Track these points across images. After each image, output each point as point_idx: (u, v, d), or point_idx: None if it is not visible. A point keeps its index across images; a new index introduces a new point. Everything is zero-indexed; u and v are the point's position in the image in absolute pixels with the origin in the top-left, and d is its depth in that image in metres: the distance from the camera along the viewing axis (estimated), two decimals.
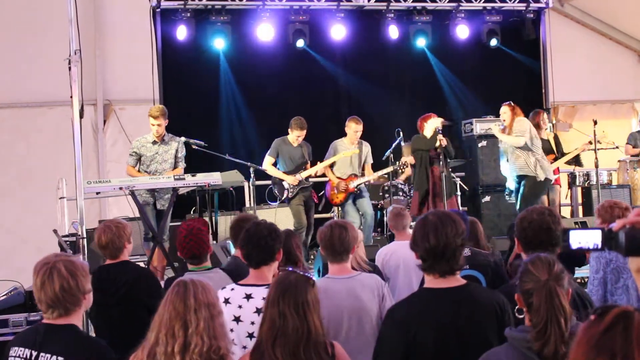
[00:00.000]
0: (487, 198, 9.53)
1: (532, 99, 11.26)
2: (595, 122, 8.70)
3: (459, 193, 9.27)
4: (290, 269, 2.86)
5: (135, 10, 10.32)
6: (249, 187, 9.04)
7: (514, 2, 10.91)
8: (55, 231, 6.26)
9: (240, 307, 3.41)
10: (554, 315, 2.37)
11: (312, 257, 8.17)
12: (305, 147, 8.27)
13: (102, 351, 2.76)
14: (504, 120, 7.89)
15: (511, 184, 7.86)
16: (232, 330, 3.35)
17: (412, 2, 10.64)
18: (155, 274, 5.83)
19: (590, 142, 8.79)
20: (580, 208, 10.00)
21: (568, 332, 2.36)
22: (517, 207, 7.67)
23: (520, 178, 7.69)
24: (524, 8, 10.95)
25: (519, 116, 7.80)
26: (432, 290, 2.88)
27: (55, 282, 2.68)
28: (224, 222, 8.62)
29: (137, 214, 7.34)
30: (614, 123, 12.01)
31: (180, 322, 2.50)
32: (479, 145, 9.58)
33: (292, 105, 10.11)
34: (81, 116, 5.40)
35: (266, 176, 8.47)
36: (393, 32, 10.57)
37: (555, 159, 8.70)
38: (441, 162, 7.82)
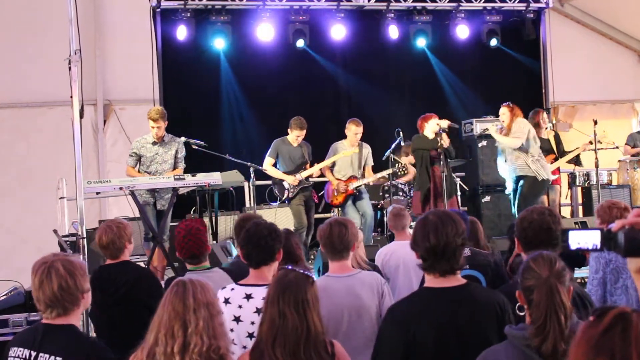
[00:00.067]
0: (487, 198, 9.53)
1: (532, 99, 11.26)
2: (596, 122, 8.70)
3: (459, 193, 9.27)
4: (290, 267, 2.86)
5: (135, 10, 10.33)
6: (249, 187, 9.04)
7: (514, 2, 10.91)
8: (55, 231, 6.26)
9: (240, 307, 3.41)
10: (553, 312, 2.37)
11: (312, 257, 8.18)
12: (305, 147, 8.27)
13: (100, 351, 2.76)
14: (503, 121, 7.88)
15: (509, 185, 7.85)
16: (232, 330, 3.35)
17: (412, 2, 10.64)
18: (156, 274, 5.83)
19: (590, 142, 8.79)
20: (580, 208, 10.00)
21: (568, 329, 2.36)
22: (516, 207, 7.65)
23: (519, 178, 7.68)
24: (524, 8, 10.95)
25: (517, 117, 7.79)
26: (433, 290, 2.89)
27: (53, 282, 2.68)
28: (224, 222, 8.62)
29: (137, 214, 7.34)
30: (614, 123, 12.02)
31: (179, 322, 2.50)
32: (479, 145, 9.58)
33: (292, 105, 10.12)
34: (81, 116, 5.40)
35: (266, 176, 8.47)
36: (393, 32, 10.57)
37: (556, 159, 8.70)
38: (442, 162, 7.82)
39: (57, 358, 2.67)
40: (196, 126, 9.54)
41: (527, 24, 11.04)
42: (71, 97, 5.35)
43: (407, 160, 9.23)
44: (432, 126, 7.89)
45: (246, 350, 2.91)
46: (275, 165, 8.26)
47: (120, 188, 6.52)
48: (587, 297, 3.27)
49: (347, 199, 8.36)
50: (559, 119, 12.22)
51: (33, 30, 10.24)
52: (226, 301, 3.43)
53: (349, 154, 8.32)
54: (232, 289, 3.49)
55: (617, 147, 9.70)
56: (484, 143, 9.52)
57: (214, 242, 7.91)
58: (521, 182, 7.66)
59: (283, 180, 8.18)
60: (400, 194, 9.09)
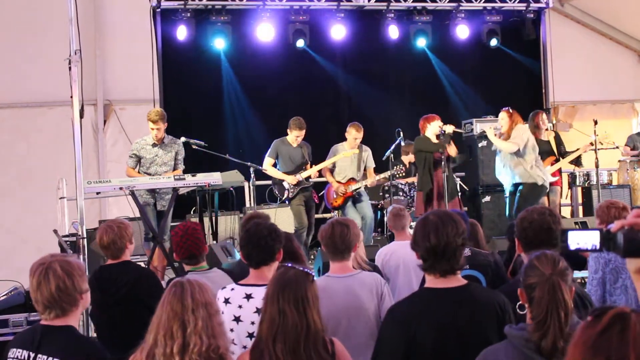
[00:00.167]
0: (487, 198, 9.53)
1: (532, 99, 11.28)
2: (596, 122, 8.69)
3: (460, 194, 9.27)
4: (290, 264, 2.86)
5: (135, 10, 10.33)
6: (249, 187, 9.03)
7: (514, 2, 10.91)
8: (55, 231, 6.25)
9: (240, 307, 3.41)
10: (554, 308, 2.38)
11: (312, 257, 8.18)
12: (305, 148, 8.27)
13: (98, 353, 2.76)
14: (502, 127, 7.87)
15: (507, 188, 7.85)
16: (232, 330, 3.35)
17: (412, 2, 10.64)
18: (156, 274, 5.83)
19: (591, 144, 8.77)
20: (580, 208, 10.00)
21: (568, 327, 2.36)
22: (514, 210, 7.62)
23: (519, 184, 7.68)
24: (524, 8, 10.95)
25: (517, 123, 7.76)
26: (433, 290, 2.89)
27: (51, 282, 2.68)
28: (224, 222, 8.62)
29: (138, 214, 7.34)
30: (614, 123, 12.02)
31: (178, 323, 2.49)
32: (479, 145, 9.57)
33: (292, 106, 10.12)
34: (81, 116, 5.40)
35: (266, 176, 8.47)
36: (393, 32, 10.57)
37: (557, 160, 8.70)
38: (443, 163, 7.79)
39: (55, 359, 2.67)
40: (196, 126, 9.55)
41: (527, 24, 11.04)
42: (71, 97, 5.35)
43: (407, 159, 9.23)
44: (434, 128, 7.84)
45: (246, 349, 2.91)
46: (275, 165, 8.26)
47: (120, 188, 6.52)
48: (587, 297, 3.28)
49: (347, 200, 8.36)
50: (559, 119, 12.21)
51: (33, 30, 10.24)
52: (226, 301, 3.43)
53: (349, 155, 8.32)
54: (232, 289, 3.50)
55: (617, 147, 9.70)
56: (484, 143, 9.52)
57: (214, 242, 7.91)
58: (520, 187, 7.66)
59: (283, 181, 8.18)
60: (400, 194, 9.09)
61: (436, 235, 2.84)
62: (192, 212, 8.80)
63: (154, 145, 7.43)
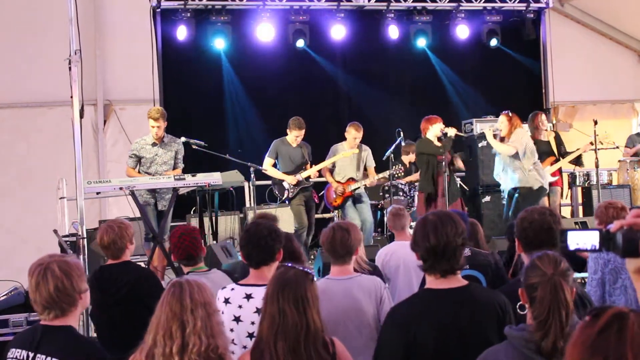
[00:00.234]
0: (487, 198, 9.52)
1: (532, 99, 11.29)
2: (596, 122, 8.69)
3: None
4: (289, 264, 2.86)
5: (135, 10, 10.33)
6: (249, 187, 9.03)
7: (514, 2, 10.91)
8: (55, 231, 6.26)
9: (240, 307, 3.41)
10: (556, 308, 2.38)
11: (312, 257, 8.18)
12: (305, 148, 8.27)
13: (97, 353, 2.76)
14: (501, 130, 7.86)
15: (506, 191, 7.86)
16: (232, 330, 3.36)
17: (412, 2, 10.64)
18: (156, 274, 5.83)
19: (591, 143, 8.78)
20: (580, 208, 9.99)
21: (568, 327, 2.36)
22: (511, 212, 7.62)
23: (518, 188, 7.69)
24: (524, 8, 10.95)
25: (516, 127, 7.76)
26: (434, 291, 2.89)
27: (49, 283, 2.68)
28: (224, 222, 8.62)
29: (138, 214, 7.34)
30: (614, 123, 12.01)
31: (177, 323, 2.49)
32: (479, 145, 9.56)
33: (292, 106, 10.12)
34: (81, 116, 5.41)
35: (266, 176, 8.47)
36: (393, 32, 10.57)
37: (556, 161, 8.69)
38: (443, 164, 7.77)
39: (53, 359, 2.67)
40: (196, 126, 9.55)
41: (527, 24, 11.04)
42: (71, 97, 5.35)
43: (407, 159, 9.23)
44: (436, 130, 7.82)
45: (247, 349, 2.91)
46: (275, 165, 8.25)
47: (120, 188, 6.52)
48: (587, 297, 3.27)
49: (346, 200, 8.36)
50: (559, 119, 12.21)
51: (33, 30, 10.24)
52: (226, 301, 3.44)
53: (348, 155, 8.31)
54: (232, 289, 3.50)
55: (617, 147, 9.69)
56: (484, 143, 9.51)
57: (214, 242, 7.91)
58: (518, 190, 7.67)
59: (283, 181, 8.18)
60: (401, 194, 9.09)
61: (436, 235, 2.84)
62: (192, 212, 8.80)
63: (153, 144, 7.43)
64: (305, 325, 2.64)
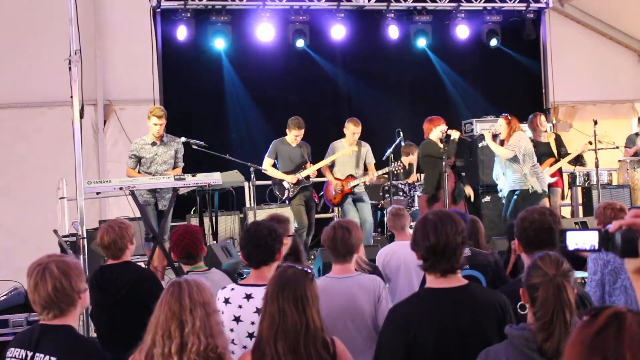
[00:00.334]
0: (487, 198, 9.52)
1: (532, 99, 11.29)
2: (596, 122, 8.70)
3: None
4: (289, 264, 2.86)
5: (135, 10, 10.33)
6: (249, 187, 9.04)
7: (514, 2, 10.92)
8: (55, 231, 6.26)
9: (240, 307, 3.42)
10: (560, 309, 2.38)
11: (312, 257, 8.18)
12: (304, 148, 8.27)
13: (97, 352, 2.76)
14: (500, 133, 7.86)
15: (505, 192, 7.86)
16: (232, 330, 3.36)
17: (412, 2, 10.64)
18: (156, 274, 5.84)
19: (590, 143, 8.78)
20: (580, 208, 9.99)
21: (571, 328, 2.36)
22: (509, 213, 7.62)
23: (516, 190, 7.70)
24: (524, 8, 10.95)
25: (515, 130, 7.75)
26: (434, 291, 2.89)
27: (48, 283, 2.67)
28: (224, 222, 8.63)
29: (138, 214, 7.35)
30: (614, 123, 12.02)
31: (176, 323, 2.49)
32: (479, 145, 9.57)
33: (292, 106, 10.12)
34: (81, 116, 5.41)
35: (266, 176, 8.47)
36: (393, 32, 10.57)
37: (556, 161, 8.69)
38: (444, 164, 7.75)
39: (52, 358, 2.66)
40: (196, 126, 9.55)
41: (527, 24, 11.04)
42: (71, 97, 5.36)
43: (407, 160, 9.23)
44: (438, 133, 7.79)
45: (247, 350, 2.92)
46: (274, 165, 8.26)
47: (121, 188, 6.53)
48: (587, 297, 3.28)
49: (346, 197, 8.35)
50: (559, 119, 12.22)
51: (33, 30, 10.24)
52: (226, 301, 3.44)
53: (347, 153, 8.31)
54: (232, 289, 3.50)
55: (617, 147, 9.69)
56: (484, 143, 9.49)
57: (214, 242, 7.92)
58: (517, 192, 7.67)
59: (283, 180, 8.18)
60: (401, 194, 9.08)
61: (435, 235, 2.84)
62: (192, 212, 8.80)
63: (153, 144, 7.43)
64: (305, 324, 2.64)
